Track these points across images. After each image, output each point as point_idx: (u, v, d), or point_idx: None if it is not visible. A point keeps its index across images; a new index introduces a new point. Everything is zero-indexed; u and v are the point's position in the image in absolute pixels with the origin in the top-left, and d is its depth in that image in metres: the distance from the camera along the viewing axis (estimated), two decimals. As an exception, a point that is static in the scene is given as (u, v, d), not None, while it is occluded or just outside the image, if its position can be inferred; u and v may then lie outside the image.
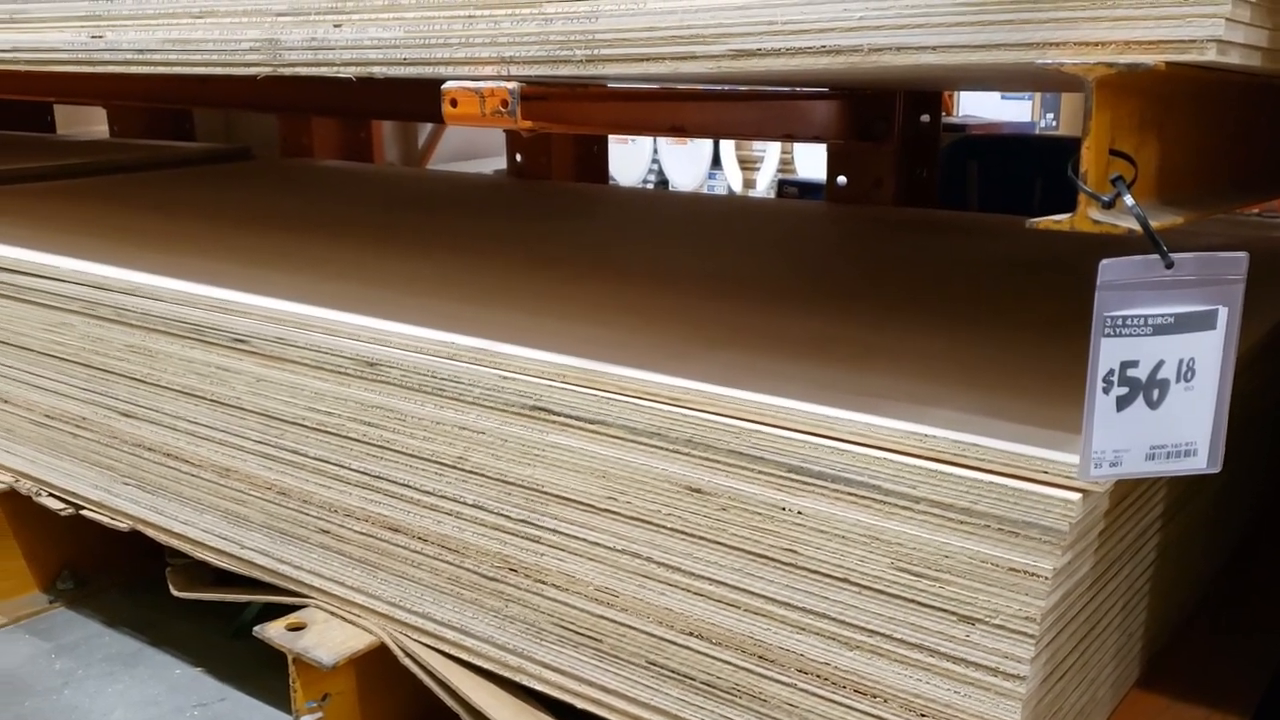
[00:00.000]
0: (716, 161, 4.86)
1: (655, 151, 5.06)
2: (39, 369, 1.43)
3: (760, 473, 0.85)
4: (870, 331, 1.06)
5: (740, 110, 1.40)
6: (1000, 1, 0.66)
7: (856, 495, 0.81)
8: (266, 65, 1.04)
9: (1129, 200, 0.61)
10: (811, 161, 4.22)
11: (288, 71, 1.03)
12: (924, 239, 1.56)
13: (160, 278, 1.27)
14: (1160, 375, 0.66)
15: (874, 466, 0.80)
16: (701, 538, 0.89)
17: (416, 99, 2.01)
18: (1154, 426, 0.67)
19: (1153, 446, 0.68)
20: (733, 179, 4.77)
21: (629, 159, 4.99)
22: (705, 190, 4.83)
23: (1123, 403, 0.65)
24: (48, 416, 1.45)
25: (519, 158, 2.29)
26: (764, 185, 4.61)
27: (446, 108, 0.91)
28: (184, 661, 1.43)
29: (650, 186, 5.12)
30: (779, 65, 0.75)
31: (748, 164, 4.76)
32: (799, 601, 0.85)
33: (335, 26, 0.99)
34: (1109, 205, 0.62)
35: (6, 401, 1.50)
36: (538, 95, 0.92)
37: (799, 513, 0.84)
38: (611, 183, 2.51)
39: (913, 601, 0.80)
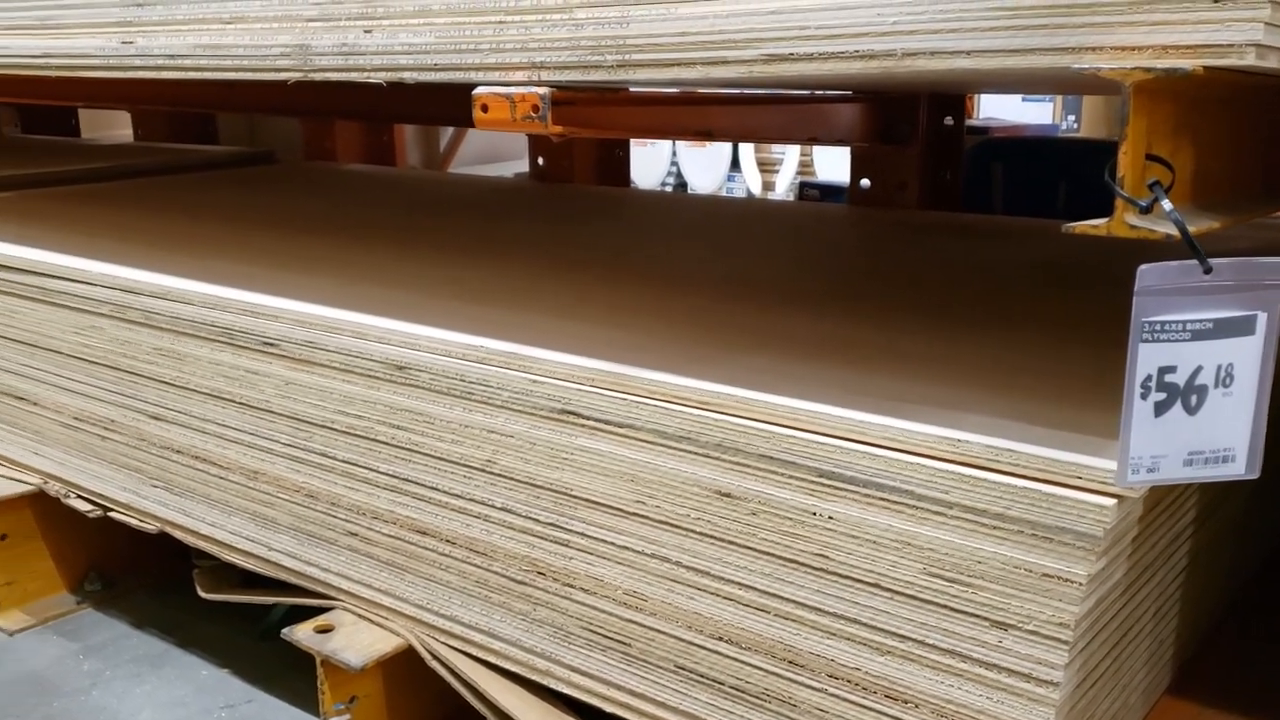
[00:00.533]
0: (735, 164, 4.86)
1: (674, 154, 5.06)
2: (68, 372, 1.45)
3: (791, 477, 0.85)
4: (899, 336, 1.06)
5: (766, 114, 1.40)
6: (1035, 6, 0.66)
7: (888, 500, 0.81)
8: (297, 71, 1.05)
9: (1167, 205, 0.61)
10: (831, 164, 4.21)
11: (318, 77, 1.04)
12: (949, 242, 1.55)
13: (189, 281, 1.28)
14: (1198, 381, 0.65)
15: (906, 472, 0.80)
16: (731, 542, 0.89)
17: (440, 103, 2.02)
18: (1192, 432, 0.66)
19: (1191, 452, 0.67)
20: (751, 181, 4.76)
21: (648, 162, 4.99)
22: (724, 193, 4.83)
23: (1161, 408, 0.65)
24: (76, 419, 1.46)
25: (541, 161, 2.30)
26: (783, 188, 4.60)
27: (477, 113, 0.92)
28: (211, 663, 1.43)
29: (669, 189, 5.12)
30: (811, 70, 0.75)
31: (767, 166, 4.75)
32: (830, 607, 0.85)
33: (366, 32, 1.00)
34: (1146, 210, 0.61)
35: (36, 404, 1.51)
36: (567, 100, 0.92)
37: (830, 518, 0.84)
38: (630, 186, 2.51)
39: (945, 607, 0.80)
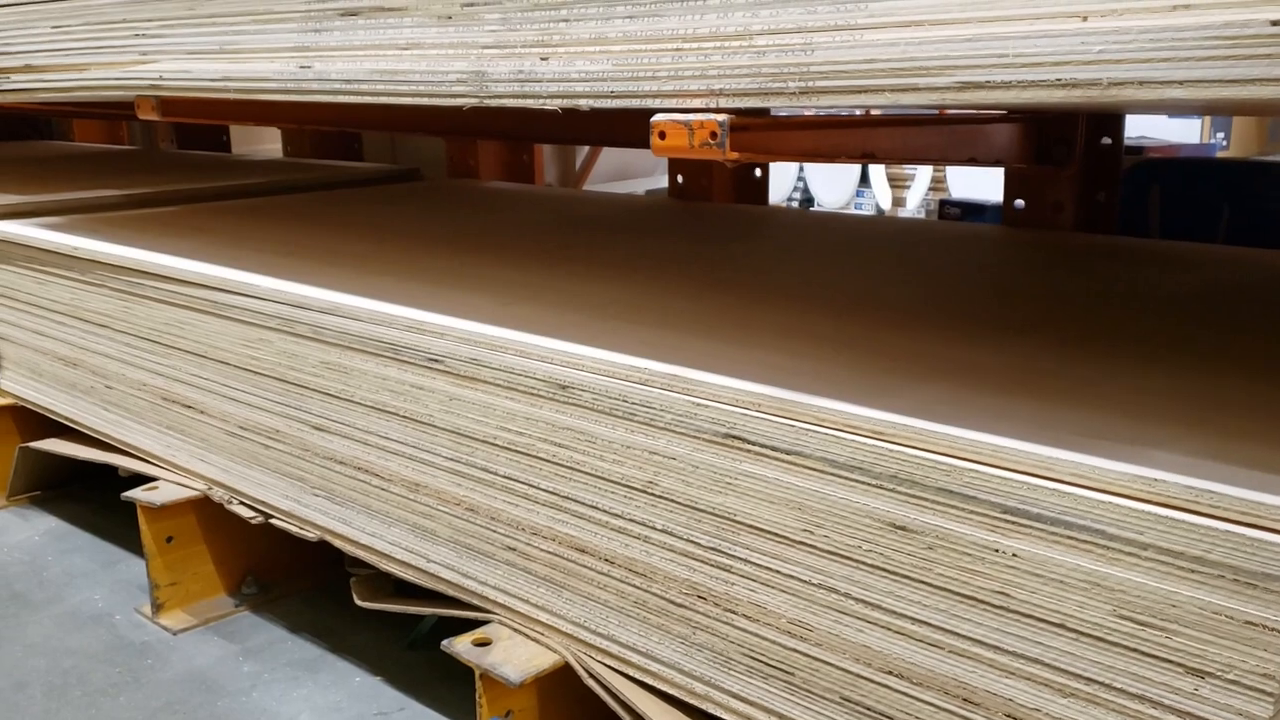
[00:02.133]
0: (864, 179, 4.81)
1: (800, 169, 5.03)
2: (235, 382, 1.50)
3: (972, 512, 0.83)
4: (1079, 365, 1.03)
5: (926, 135, 1.38)
6: (1259, 35, 0.63)
7: (1077, 539, 0.78)
8: (473, 97, 1.07)
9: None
10: (965, 181, 4.14)
11: (493, 103, 1.06)
12: (1115, 267, 1.50)
13: (356, 298, 1.31)
14: None
15: (1097, 510, 0.77)
16: (905, 576, 0.88)
17: (586, 125, 2.04)
18: None
19: None
20: (882, 197, 4.71)
21: (774, 177, 4.96)
22: (852, 208, 4.78)
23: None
24: (241, 428, 1.51)
25: (680, 179, 2.31)
26: (914, 204, 4.54)
27: (655, 139, 0.92)
28: (363, 669, 1.47)
29: (794, 204, 5.09)
30: (1009, 98, 0.74)
31: (897, 182, 4.69)
32: (1009, 645, 0.83)
33: (542, 59, 1.02)
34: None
35: (203, 412, 1.58)
36: (741, 126, 0.92)
37: (1013, 555, 0.82)
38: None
39: (1135, 651, 0.77)
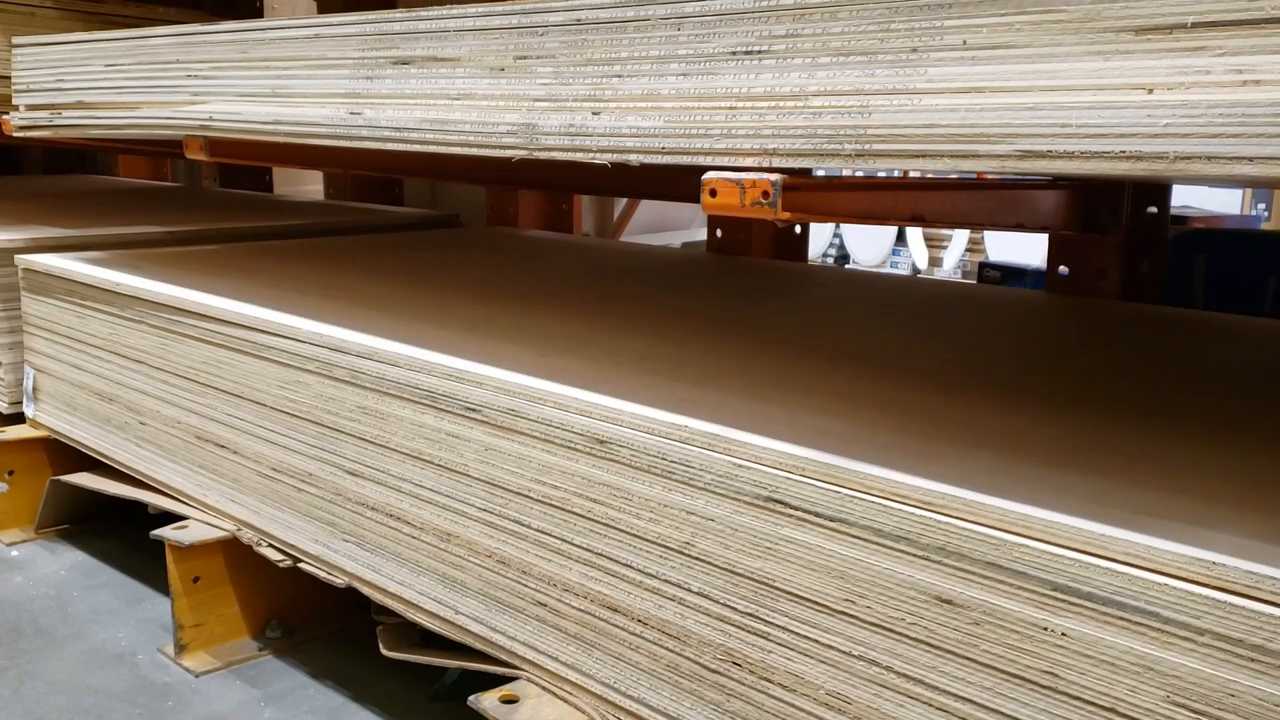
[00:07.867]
0: (900, 238, 4.80)
1: (837, 226, 5.03)
2: (270, 424, 1.50)
3: (1020, 589, 0.81)
4: (1131, 439, 1.01)
5: (976, 199, 1.38)
6: (1334, 112, 0.62)
7: (1129, 621, 0.76)
8: (522, 149, 1.07)
9: None
10: (1002, 243, 4.12)
11: (543, 155, 1.06)
12: (1162, 338, 1.48)
13: (395, 343, 1.31)
14: None
15: (1151, 592, 0.75)
16: (949, 651, 0.86)
17: (631, 178, 2.04)
18: None
19: None
20: (918, 257, 4.69)
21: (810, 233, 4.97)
22: (889, 267, 4.77)
23: None
24: (274, 470, 1.51)
25: (719, 233, 2.31)
26: (950, 265, 4.52)
27: (705, 198, 0.92)
28: (385, 720, 1.45)
29: (830, 260, 5.08)
30: (1071, 168, 0.73)
31: (934, 242, 4.68)
32: (1056, 728, 0.81)
33: (593, 114, 1.01)
34: None
35: (236, 453, 1.57)
36: (793, 186, 0.92)
37: (1062, 634, 0.79)
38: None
39: (1189, 741, 0.75)
